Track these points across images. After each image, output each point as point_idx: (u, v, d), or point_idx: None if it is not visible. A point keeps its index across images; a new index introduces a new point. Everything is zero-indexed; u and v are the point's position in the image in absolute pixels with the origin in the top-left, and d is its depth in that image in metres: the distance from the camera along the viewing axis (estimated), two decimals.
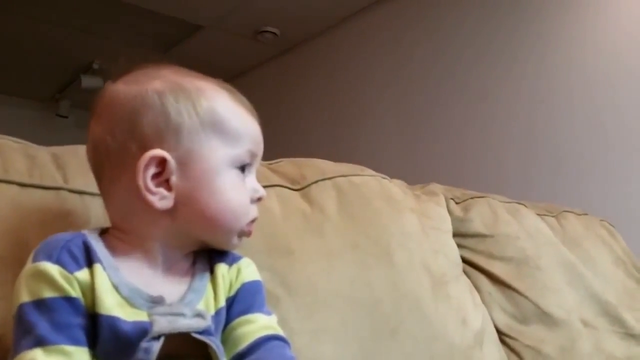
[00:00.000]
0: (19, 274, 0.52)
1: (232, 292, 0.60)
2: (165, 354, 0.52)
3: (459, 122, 2.47)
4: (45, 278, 0.50)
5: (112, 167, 0.57)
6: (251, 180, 0.61)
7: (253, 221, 0.61)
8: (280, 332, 0.61)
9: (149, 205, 0.55)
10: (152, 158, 0.54)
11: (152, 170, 0.54)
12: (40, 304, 0.50)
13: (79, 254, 0.52)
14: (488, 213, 1.19)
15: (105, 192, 0.59)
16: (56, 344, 0.48)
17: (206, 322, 0.55)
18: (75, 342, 0.50)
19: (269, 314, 0.62)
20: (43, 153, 0.72)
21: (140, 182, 0.54)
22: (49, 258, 0.51)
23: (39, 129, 3.90)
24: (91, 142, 0.59)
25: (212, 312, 0.58)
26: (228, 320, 0.59)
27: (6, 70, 3.71)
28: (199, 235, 0.59)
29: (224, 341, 0.59)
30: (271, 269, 0.81)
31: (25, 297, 0.50)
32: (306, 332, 0.79)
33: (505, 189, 1.63)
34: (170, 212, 0.56)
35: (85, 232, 0.56)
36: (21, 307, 0.50)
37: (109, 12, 3.01)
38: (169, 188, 0.55)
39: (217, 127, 0.57)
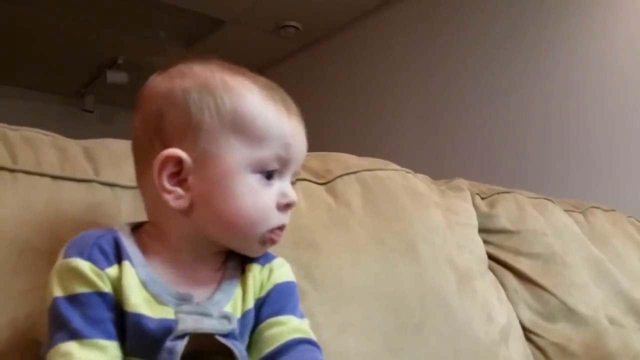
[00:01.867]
0: (53, 266, 0.53)
1: (263, 293, 0.59)
2: (189, 351, 0.52)
3: (485, 117, 2.44)
4: (77, 274, 0.51)
5: (141, 161, 0.58)
6: (282, 185, 0.57)
7: (280, 228, 0.58)
8: (312, 336, 0.59)
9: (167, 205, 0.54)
10: (168, 157, 0.54)
11: (170, 169, 0.54)
12: (74, 299, 0.50)
13: (110, 250, 0.53)
14: (514, 209, 1.17)
15: (139, 184, 0.60)
16: (91, 337, 0.49)
17: (231, 325, 0.54)
18: (108, 336, 0.50)
19: (301, 317, 0.61)
20: (73, 146, 0.73)
21: (156, 180, 0.54)
22: (80, 254, 0.51)
23: (65, 123, 3.96)
24: (132, 135, 0.60)
25: (239, 314, 0.57)
26: (258, 321, 0.58)
27: (32, 65, 3.77)
28: (216, 238, 0.57)
29: (253, 342, 0.58)
30: (296, 263, 0.81)
31: (58, 292, 0.51)
32: (331, 326, 0.79)
33: (537, 184, 1.62)
34: (187, 212, 0.55)
35: (116, 228, 0.56)
36: (55, 301, 0.51)
37: (133, 7, 3.04)
38: (186, 188, 0.54)
39: (238, 128, 0.54)
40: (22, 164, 0.66)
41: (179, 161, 0.54)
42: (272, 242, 0.58)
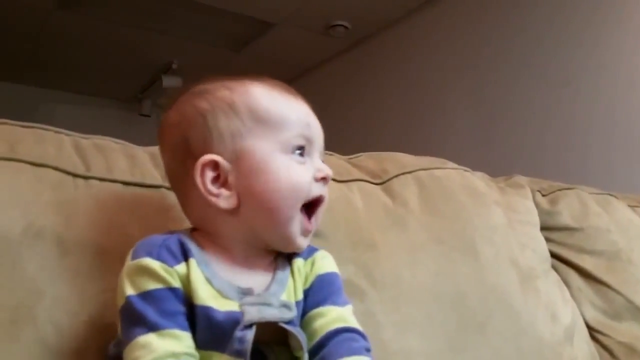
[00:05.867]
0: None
1: (308, 285, 0.62)
2: (254, 341, 0.54)
3: (547, 113, 2.34)
4: (149, 272, 0.53)
5: (181, 189, 0.62)
6: (315, 162, 0.61)
7: (318, 201, 0.61)
8: (352, 323, 0.61)
9: (217, 208, 0.58)
10: (205, 163, 0.58)
11: (210, 174, 0.58)
12: (146, 295, 0.53)
13: (176, 250, 0.56)
14: (577, 205, 1.14)
15: (183, 204, 0.64)
16: (167, 328, 0.52)
17: (292, 313, 0.58)
18: (182, 328, 0.53)
19: (343, 304, 0.62)
20: (141, 153, 0.76)
21: (201, 187, 0.58)
22: (150, 255, 0.54)
23: (123, 127, 4.06)
24: (164, 168, 0.66)
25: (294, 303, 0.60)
26: (304, 313, 0.61)
27: (91, 72, 3.91)
28: (263, 231, 0.59)
29: None
30: (356, 263, 0.82)
31: (130, 291, 0.53)
32: (392, 325, 0.79)
33: (602, 180, 1.56)
34: (236, 210, 0.58)
35: (177, 232, 0.59)
36: (128, 299, 0.53)
37: (185, 13, 3.10)
38: (229, 187, 0.58)
39: (257, 120, 0.59)
40: (95, 171, 0.70)
41: (215, 165, 0.58)
42: (307, 232, 0.61)
